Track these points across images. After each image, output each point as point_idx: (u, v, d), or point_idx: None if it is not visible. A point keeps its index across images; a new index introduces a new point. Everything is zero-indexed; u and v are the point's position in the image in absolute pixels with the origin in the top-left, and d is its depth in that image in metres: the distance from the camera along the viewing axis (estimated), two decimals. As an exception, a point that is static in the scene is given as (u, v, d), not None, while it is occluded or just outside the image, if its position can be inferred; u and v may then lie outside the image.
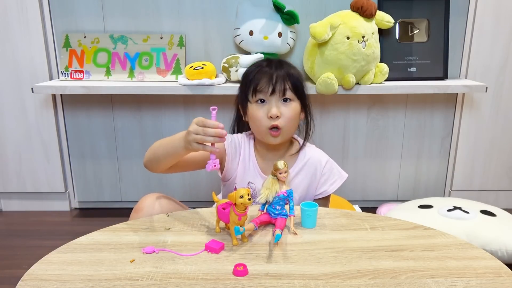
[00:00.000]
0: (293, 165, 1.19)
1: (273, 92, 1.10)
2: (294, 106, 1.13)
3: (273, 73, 1.11)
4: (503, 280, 0.76)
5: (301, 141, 1.22)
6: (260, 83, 1.10)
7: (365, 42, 1.59)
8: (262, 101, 1.12)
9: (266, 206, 0.95)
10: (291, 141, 1.22)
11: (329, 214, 1.04)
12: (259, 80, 1.11)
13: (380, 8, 1.68)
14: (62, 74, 1.78)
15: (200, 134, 0.93)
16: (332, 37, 1.58)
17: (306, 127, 1.21)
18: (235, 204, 0.86)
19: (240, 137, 1.23)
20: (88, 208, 2.07)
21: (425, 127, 1.95)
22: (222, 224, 0.95)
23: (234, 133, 1.28)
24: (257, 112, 1.12)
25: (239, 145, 1.21)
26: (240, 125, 1.28)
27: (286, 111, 1.11)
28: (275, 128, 1.11)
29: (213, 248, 0.85)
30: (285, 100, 1.11)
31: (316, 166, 1.19)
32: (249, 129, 1.22)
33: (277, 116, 1.10)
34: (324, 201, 1.23)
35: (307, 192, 1.20)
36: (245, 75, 1.17)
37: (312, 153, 1.21)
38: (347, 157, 1.98)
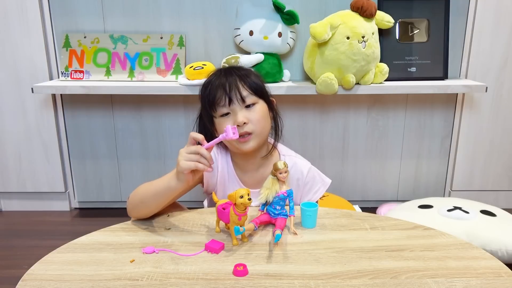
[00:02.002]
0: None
1: (231, 102, 1.04)
2: (258, 108, 1.07)
3: (225, 83, 1.05)
4: (503, 280, 0.76)
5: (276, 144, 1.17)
6: (217, 97, 1.05)
7: (365, 42, 1.59)
8: (227, 113, 1.06)
9: (266, 206, 0.96)
10: (267, 147, 1.16)
11: (329, 214, 1.04)
12: (214, 94, 1.05)
13: (380, 8, 1.68)
14: (62, 74, 1.78)
15: (192, 160, 0.89)
16: (332, 37, 1.58)
17: (275, 126, 1.15)
18: (235, 204, 0.86)
19: (215, 151, 1.16)
20: (88, 208, 2.07)
21: (425, 127, 1.95)
22: (222, 224, 0.95)
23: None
24: (223, 125, 1.05)
25: (216, 160, 1.15)
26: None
27: (252, 115, 1.05)
28: (243, 134, 1.05)
29: (213, 248, 0.85)
30: (247, 106, 1.06)
31: (298, 175, 1.15)
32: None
33: (245, 123, 1.04)
34: None
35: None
36: (201, 93, 1.10)
37: (293, 162, 1.15)
38: (347, 157, 1.98)
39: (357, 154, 1.98)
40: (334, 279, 0.76)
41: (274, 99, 1.15)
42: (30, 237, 1.80)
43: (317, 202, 1.17)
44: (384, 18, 1.64)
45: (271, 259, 0.83)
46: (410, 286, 0.74)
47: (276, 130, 1.16)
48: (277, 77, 1.72)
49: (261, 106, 1.08)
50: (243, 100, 1.05)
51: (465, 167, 1.99)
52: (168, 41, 1.79)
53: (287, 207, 0.95)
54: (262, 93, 1.09)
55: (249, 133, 1.05)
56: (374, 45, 1.63)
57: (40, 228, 1.87)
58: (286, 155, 1.18)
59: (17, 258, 1.62)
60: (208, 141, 0.92)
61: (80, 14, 1.79)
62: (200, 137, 0.91)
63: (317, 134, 1.95)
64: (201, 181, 1.15)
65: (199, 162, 0.89)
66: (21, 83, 1.85)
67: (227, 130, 0.91)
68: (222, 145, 1.17)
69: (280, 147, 1.20)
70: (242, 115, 1.04)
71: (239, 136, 1.00)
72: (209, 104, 1.07)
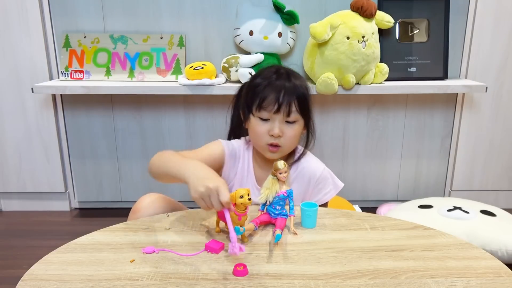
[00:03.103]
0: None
1: (277, 111, 1.04)
2: (297, 126, 1.08)
3: (281, 91, 1.04)
4: (503, 280, 0.76)
5: (300, 149, 1.17)
6: (267, 100, 1.04)
7: (365, 42, 1.59)
8: (266, 120, 1.07)
9: (266, 206, 0.95)
10: (293, 154, 1.18)
11: (329, 214, 1.04)
12: (265, 96, 1.05)
13: (380, 8, 1.68)
14: (62, 74, 1.78)
15: (205, 203, 0.85)
16: (332, 37, 1.58)
17: (306, 141, 1.16)
18: (235, 204, 0.86)
19: (239, 145, 1.18)
20: (88, 208, 2.07)
21: (425, 127, 1.95)
22: (222, 224, 0.95)
23: (230, 139, 1.23)
24: (258, 127, 1.07)
25: (238, 155, 1.16)
26: (237, 133, 1.22)
27: (289, 131, 1.07)
28: (275, 145, 1.07)
29: (213, 248, 0.85)
30: (288, 121, 1.07)
31: (310, 175, 1.15)
32: (247, 134, 1.17)
33: (279, 136, 1.05)
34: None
35: (301, 201, 1.17)
36: (253, 85, 1.09)
37: (307, 163, 1.16)
38: (347, 157, 1.98)
39: (357, 154, 1.98)
40: (334, 279, 0.76)
41: (312, 117, 1.14)
42: (30, 237, 1.80)
43: (327, 203, 1.18)
44: (384, 18, 1.64)
45: (271, 259, 0.82)
46: (410, 286, 0.74)
47: (307, 144, 1.17)
48: (277, 77, 1.71)
49: (299, 125, 1.09)
50: (288, 115, 1.05)
51: (465, 167, 1.99)
52: (168, 41, 1.79)
53: (287, 207, 0.95)
54: (306, 114, 1.09)
55: (279, 146, 1.07)
56: (374, 45, 1.63)
57: (40, 228, 1.87)
58: (303, 155, 1.18)
59: (17, 258, 1.62)
60: None
61: (80, 14, 1.79)
62: (228, 207, 0.85)
63: (317, 134, 1.94)
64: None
65: (206, 206, 0.85)
66: (21, 83, 1.85)
67: (234, 247, 0.78)
68: (248, 138, 1.18)
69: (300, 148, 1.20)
70: (279, 127, 1.05)
71: (270, 144, 1.06)
72: (258, 103, 1.06)
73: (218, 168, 1.13)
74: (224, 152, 1.14)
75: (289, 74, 1.10)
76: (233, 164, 1.16)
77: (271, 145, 1.07)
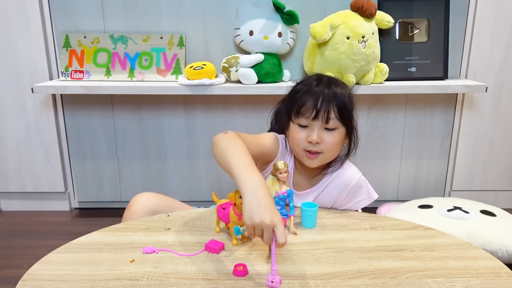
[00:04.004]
0: (320, 180, 1.13)
1: (316, 117, 1.03)
2: (337, 134, 1.05)
3: (319, 97, 1.03)
4: (503, 280, 0.76)
5: (340, 158, 1.14)
6: (305, 106, 1.03)
7: (365, 42, 1.59)
8: (305, 127, 1.06)
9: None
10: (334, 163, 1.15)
11: (329, 214, 1.04)
12: (304, 102, 1.04)
13: (380, 8, 1.68)
14: (62, 74, 1.78)
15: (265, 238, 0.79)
16: (332, 37, 1.58)
17: (348, 150, 1.13)
18: (235, 204, 0.86)
19: (288, 147, 1.16)
20: (88, 208, 2.07)
21: (425, 127, 1.95)
22: (222, 224, 0.95)
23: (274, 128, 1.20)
24: (296, 134, 1.06)
25: (286, 156, 1.15)
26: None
27: (328, 138, 1.04)
28: (313, 152, 1.05)
29: (213, 248, 0.85)
30: (328, 128, 1.04)
31: (345, 183, 1.12)
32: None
33: (317, 142, 1.04)
34: None
35: (331, 207, 1.15)
36: (293, 92, 1.10)
37: (344, 170, 1.13)
38: (347, 157, 1.98)
39: (357, 154, 1.97)
40: (334, 279, 0.76)
41: (355, 126, 1.11)
42: (30, 237, 1.80)
43: (356, 211, 1.15)
44: (384, 18, 1.64)
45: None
46: (410, 286, 0.74)
47: (348, 153, 1.13)
48: (277, 77, 1.72)
49: (340, 133, 1.06)
50: (327, 121, 1.03)
51: (465, 167, 1.99)
52: (168, 41, 1.79)
53: (287, 207, 0.95)
54: (347, 120, 1.06)
55: (319, 152, 1.05)
56: (374, 45, 1.63)
57: (40, 228, 1.87)
58: (342, 163, 1.14)
59: (17, 258, 1.62)
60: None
61: (80, 14, 1.79)
62: (281, 247, 0.78)
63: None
64: (266, 163, 1.14)
65: (253, 234, 0.80)
66: (21, 83, 1.85)
67: (275, 280, 0.75)
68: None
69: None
70: (318, 134, 1.03)
71: (307, 151, 1.04)
72: (297, 109, 1.05)
73: (268, 160, 1.12)
74: (279, 147, 1.12)
75: (330, 81, 1.08)
76: (283, 158, 1.14)
77: (310, 152, 1.05)
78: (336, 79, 1.12)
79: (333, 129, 1.04)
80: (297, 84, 1.12)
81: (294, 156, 1.14)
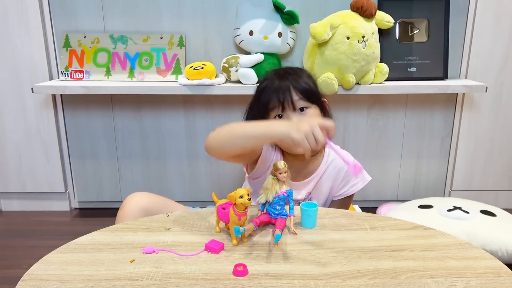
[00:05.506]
0: (317, 168, 1.18)
1: (283, 107, 1.08)
2: (311, 112, 1.10)
3: (278, 89, 1.08)
4: (503, 280, 0.76)
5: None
6: (270, 102, 1.08)
7: (365, 42, 1.59)
8: (280, 116, 1.09)
9: (266, 206, 0.95)
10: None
11: (329, 214, 1.04)
12: (267, 98, 1.09)
13: (380, 8, 1.68)
14: (62, 74, 1.78)
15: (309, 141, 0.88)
16: (332, 37, 1.58)
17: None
18: (235, 204, 0.86)
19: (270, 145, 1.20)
20: (88, 208, 2.07)
21: (425, 127, 1.95)
22: (222, 224, 0.95)
23: None
24: None
25: (274, 149, 1.17)
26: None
27: (304, 118, 1.08)
28: None
29: (213, 248, 0.85)
30: (301, 109, 1.09)
31: (339, 168, 1.18)
32: None
33: None
34: (342, 201, 1.22)
35: (329, 193, 1.20)
36: (258, 92, 1.14)
37: (336, 156, 1.18)
38: (347, 157, 1.98)
39: (357, 154, 1.98)
40: (334, 279, 0.76)
41: (326, 100, 1.17)
42: (30, 237, 1.80)
43: (352, 195, 1.21)
44: (384, 18, 1.64)
45: (271, 259, 0.82)
46: (410, 286, 0.74)
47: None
48: (277, 77, 1.72)
49: (313, 110, 1.11)
50: (293, 105, 1.08)
51: (465, 167, 1.99)
52: (168, 41, 1.79)
53: (287, 207, 0.95)
54: (313, 97, 1.11)
55: None
56: (374, 45, 1.63)
57: (40, 228, 1.87)
58: (331, 149, 1.18)
59: (17, 258, 1.62)
60: None
61: (80, 14, 1.79)
62: (331, 130, 0.90)
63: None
64: (254, 162, 1.16)
65: (308, 146, 0.88)
66: (21, 83, 1.85)
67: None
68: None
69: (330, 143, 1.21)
70: (295, 119, 1.07)
71: None
72: (263, 107, 1.10)
73: (254, 157, 1.14)
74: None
75: (286, 72, 1.14)
76: (269, 156, 1.17)
77: None
78: (291, 68, 1.18)
79: (305, 109, 1.09)
80: (260, 84, 1.17)
81: (281, 149, 1.17)
